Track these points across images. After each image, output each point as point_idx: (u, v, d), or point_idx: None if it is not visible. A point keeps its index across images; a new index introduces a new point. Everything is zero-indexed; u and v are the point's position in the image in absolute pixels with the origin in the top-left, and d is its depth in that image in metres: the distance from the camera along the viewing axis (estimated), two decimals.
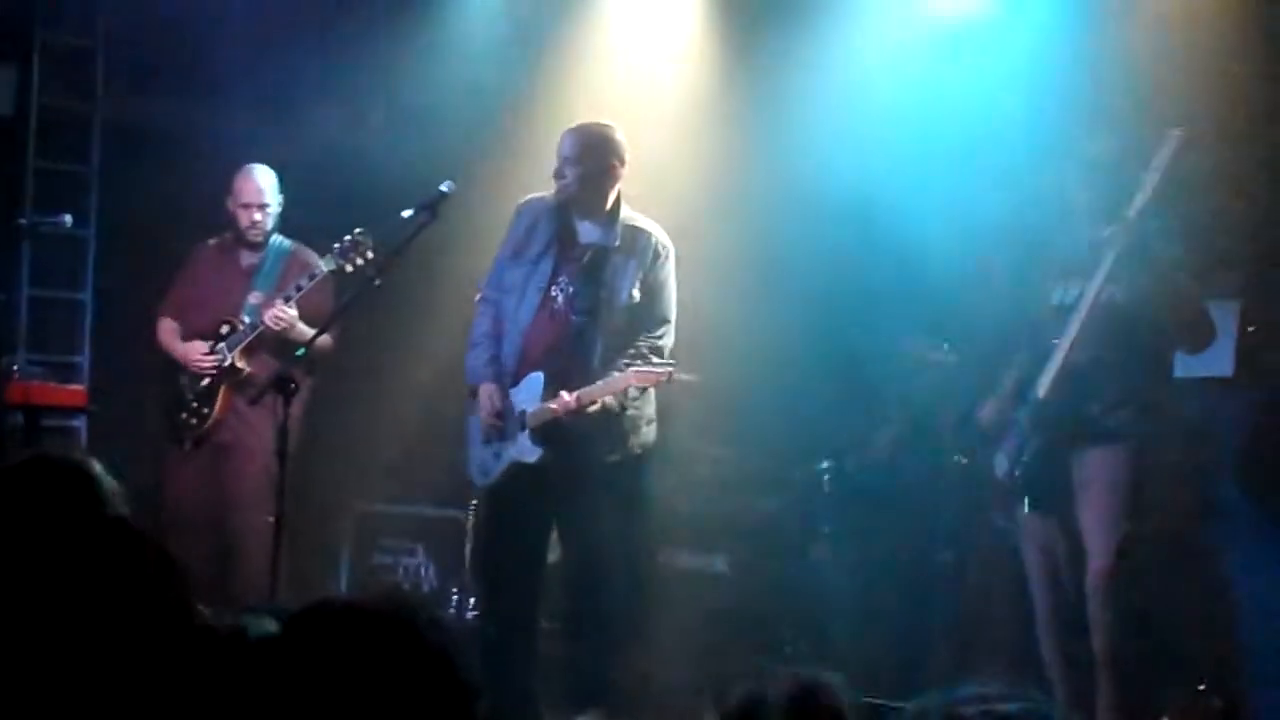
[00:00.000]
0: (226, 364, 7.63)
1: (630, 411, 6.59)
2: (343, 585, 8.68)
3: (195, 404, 7.72)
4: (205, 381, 7.70)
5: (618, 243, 6.65)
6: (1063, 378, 6.44)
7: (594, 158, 6.64)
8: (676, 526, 8.16)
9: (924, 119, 7.82)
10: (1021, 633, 6.95)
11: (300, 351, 6.96)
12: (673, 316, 6.71)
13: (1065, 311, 6.49)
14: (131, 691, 3.10)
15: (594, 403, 6.40)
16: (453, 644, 2.64)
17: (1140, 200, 6.30)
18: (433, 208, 6.57)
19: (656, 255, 6.68)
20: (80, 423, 8.62)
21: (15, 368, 8.23)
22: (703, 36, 8.80)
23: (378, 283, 6.82)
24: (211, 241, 8.03)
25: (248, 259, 7.90)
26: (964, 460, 7.36)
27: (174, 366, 7.82)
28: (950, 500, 7.64)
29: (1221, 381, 7.27)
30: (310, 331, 7.24)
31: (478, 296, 6.91)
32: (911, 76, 7.96)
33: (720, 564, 8.13)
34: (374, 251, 7.21)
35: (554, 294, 6.65)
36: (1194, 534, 7.13)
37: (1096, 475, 6.45)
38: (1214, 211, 7.07)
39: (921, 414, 7.91)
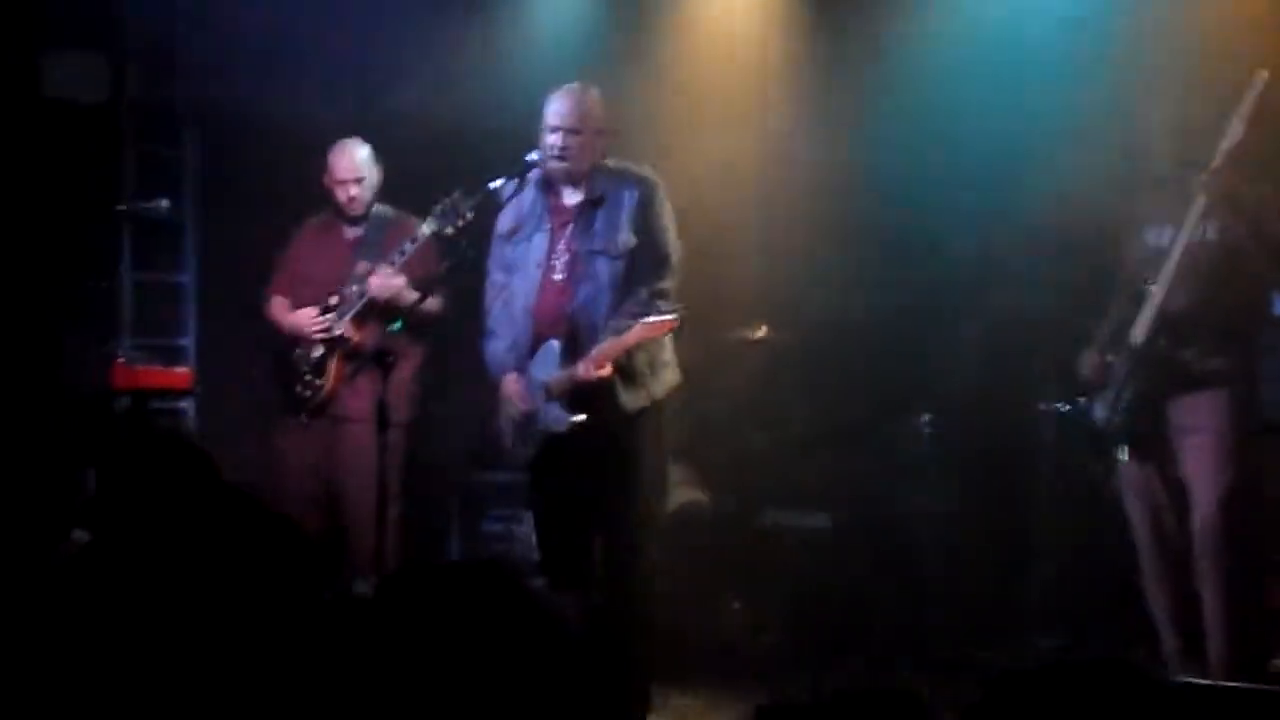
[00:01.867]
0: (336, 333, 7.69)
1: (643, 356, 6.53)
2: (452, 554, 8.78)
3: (309, 376, 7.76)
4: (318, 353, 7.75)
5: (601, 193, 6.60)
6: (1158, 323, 6.42)
7: (590, 122, 6.62)
8: (773, 486, 8.19)
9: (1008, 72, 7.76)
10: (1124, 583, 6.92)
11: (397, 324, 7.03)
12: (673, 254, 6.62)
13: (1159, 257, 6.47)
14: (260, 656, 3.16)
15: (610, 360, 6.38)
16: (552, 603, 2.69)
17: (1227, 144, 6.27)
18: (521, 176, 6.62)
19: (644, 196, 6.60)
20: (188, 406, 8.74)
21: (120, 352, 8.35)
22: (780, 8, 8.80)
23: (472, 253, 6.90)
24: (312, 219, 8.07)
25: (350, 232, 7.93)
26: (1065, 409, 7.33)
27: (287, 341, 7.87)
28: (1051, 451, 7.61)
29: None
30: (414, 295, 7.32)
31: (486, 280, 6.89)
32: (995, 28, 7.93)
33: (823, 522, 8.14)
34: (472, 213, 7.20)
35: (553, 264, 6.62)
36: None
37: (1198, 422, 6.42)
38: None
39: (1019, 364, 7.88)
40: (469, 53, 8.75)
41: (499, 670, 2.58)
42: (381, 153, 7.97)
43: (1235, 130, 6.28)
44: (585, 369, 6.40)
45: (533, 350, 6.64)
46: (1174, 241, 6.40)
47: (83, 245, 8.77)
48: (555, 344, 6.55)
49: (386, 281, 7.55)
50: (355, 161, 7.87)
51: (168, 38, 9.09)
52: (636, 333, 6.36)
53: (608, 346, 6.38)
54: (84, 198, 8.74)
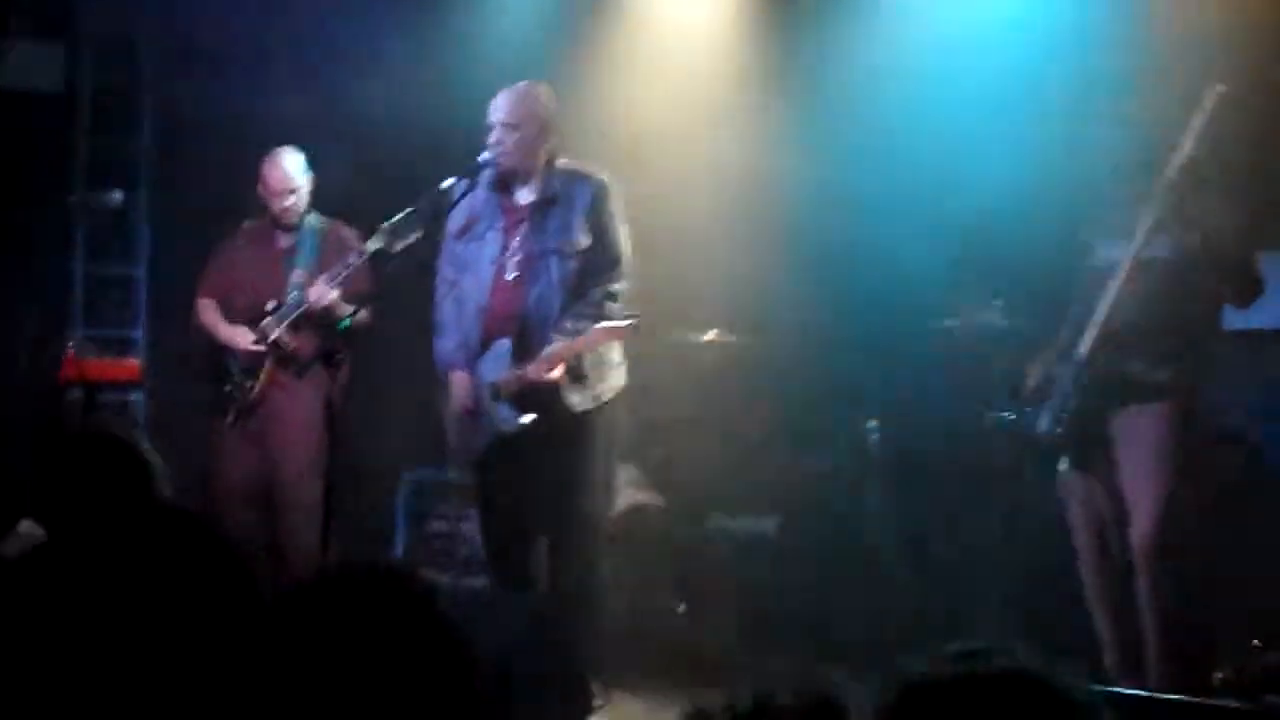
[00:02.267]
0: (271, 338, 7.69)
1: (591, 358, 6.54)
2: (399, 552, 8.76)
3: (239, 378, 7.76)
4: (250, 356, 7.75)
5: (554, 193, 6.60)
6: (1105, 335, 6.42)
7: (532, 120, 6.61)
8: (724, 489, 8.21)
9: (963, 80, 7.79)
10: (1071, 591, 6.94)
11: (344, 324, 7.03)
12: (625, 255, 6.63)
13: (1110, 270, 6.48)
14: (182, 666, 3.16)
15: (561, 362, 6.39)
16: (447, 612, 2.67)
17: (1180, 157, 6.29)
18: (471, 177, 6.61)
19: (597, 196, 6.60)
20: (137, 397, 8.72)
21: (71, 344, 8.33)
22: (740, 14, 8.81)
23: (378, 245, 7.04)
24: (246, 224, 8.03)
25: (283, 240, 7.89)
26: (1011, 418, 7.34)
27: (218, 344, 7.85)
28: (997, 460, 7.62)
29: (1275, 333, 7.23)
30: (349, 308, 7.31)
31: (436, 279, 6.89)
32: (950, 38, 7.95)
33: (769, 525, 8.16)
34: (416, 235, 7.18)
35: (504, 262, 6.61)
36: (1246, 491, 7.07)
37: (1139, 435, 6.40)
38: (1261, 164, 7.00)
39: (970, 372, 7.90)
40: (432, 51, 8.75)
41: (392, 684, 2.57)
42: (340, 151, 7.96)
43: (1188, 144, 6.28)
44: (536, 370, 6.40)
45: (482, 349, 6.63)
46: (1122, 254, 6.41)
47: (34, 234, 8.75)
48: (505, 343, 6.54)
49: (323, 292, 7.53)
50: (287, 173, 7.83)
51: (126, 27, 9.07)
52: (593, 337, 6.38)
53: (560, 348, 6.39)
54: (36, 187, 8.72)
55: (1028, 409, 6.78)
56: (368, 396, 7.89)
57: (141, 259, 9.13)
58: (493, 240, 6.67)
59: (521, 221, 6.63)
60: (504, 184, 6.68)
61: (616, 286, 6.56)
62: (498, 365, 6.56)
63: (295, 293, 7.67)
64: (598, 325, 6.37)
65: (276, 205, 7.83)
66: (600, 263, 6.56)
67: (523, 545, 6.71)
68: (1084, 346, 6.47)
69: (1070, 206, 6.93)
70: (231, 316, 7.85)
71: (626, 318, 6.42)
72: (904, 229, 7.94)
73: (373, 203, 7.72)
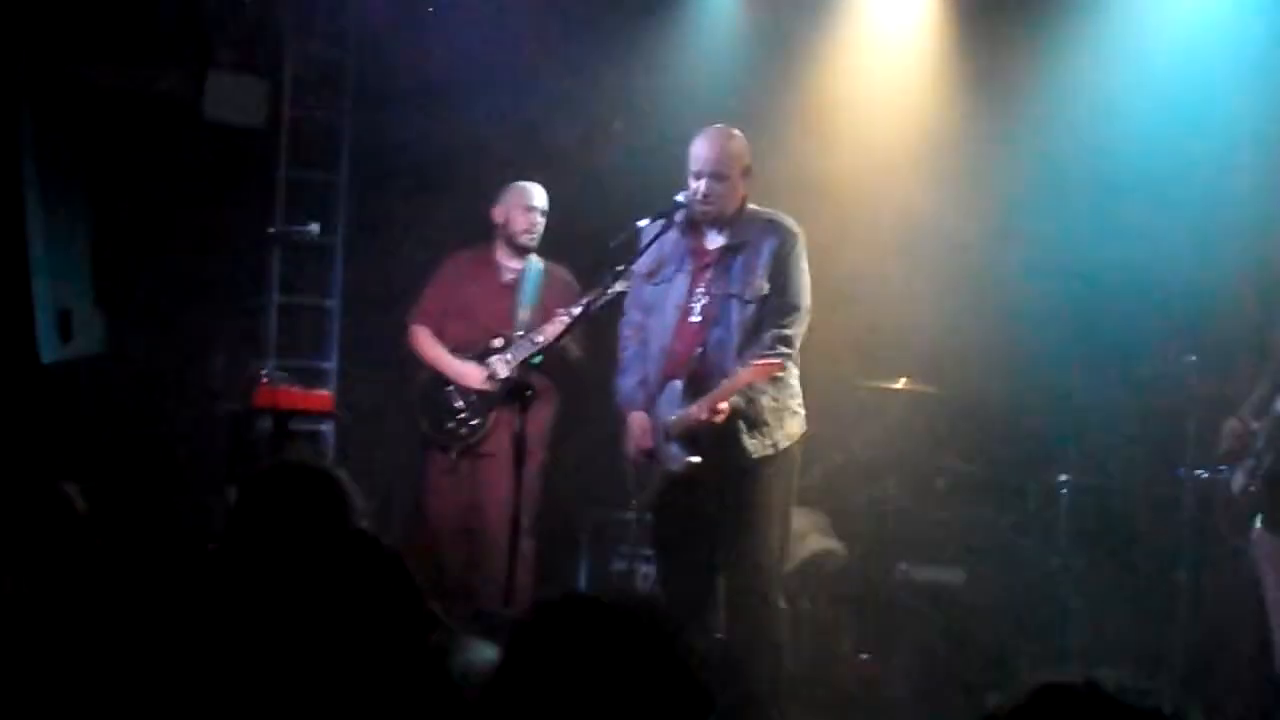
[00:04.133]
0: (502, 376, 7.71)
1: (769, 403, 6.52)
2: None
3: (465, 414, 7.81)
4: (474, 395, 7.79)
5: (744, 240, 6.59)
6: None
7: (735, 167, 6.61)
8: (910, 538, 8.13)
9: (1171, 135, 7.68)
10: (1261, 654, 6.79)
11: (536, 359, 7.05)
12: (803, 304, 6.58)
13: None
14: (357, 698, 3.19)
15: (718, 411, 6.35)
16: (692, 652, 2.68)
17: None
18: (668, 216, 6.62)
19: (782, 244, 6.57)
20: (328, 428, 8.82)
21: (264, 372, 8.44)
22: (942, 41, 8.76)
23: (617, 288, 7.00)
24: (464, 251, 8.12)
25: (507, 274, 7.95)
26: (1204, 475, 7.21)
27: (436, 376, 7.91)
28: (1189, 516, 7.48)
29: None
30: (577, 349, 7.47)
31: (622, 319, 6.92)
32: (1156, 93, 7.83)
33: (957, 576, 8.07)
34: (618, 288, 7.19)
35: (691, 307, 6.62)
36: None
37: None
38: None
39: (1164, 429, 7.76)
40: (630, 89, 8.80)
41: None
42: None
43: None
44: (699, 410, 6.40)
45: (661, 390, 6.65)
46: None
47: (233, 264, 8.91)
48: (679, 384, 6.56)
49: (555, 328, 7.54)
50: (536, 198, 7.93)
51: (332, 60, 9.21)
52: (744, 375, 6.37)
53: (720, 389, 6.38)
54: (236, 218, 8.88)
55: (1222, 467, 6.67)
56: (559, 435, 7.94)
57: (336, 291, 9.23)
58: (680, 283, 6.68)
59: (709, 266, 6.64)
60: (694, 226, 6.69)
61: (789, 331, 6.54)
62: (672, 406, 6.57)
63: (527, 331, 7.69)
64: (751, 363, 6.35)
65: (525, 222, 7.89)
66: (779, 308, 6.55)
67: (698, 588, 6.70)
68: None
69: (1272, 265, 6.81)
70: (451, 346, 7.91)
71: (777, 356, 6.40)
72: (1103, 281, 7.85)
73: (568, 238, 7.77)
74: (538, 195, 7.93)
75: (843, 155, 8.54)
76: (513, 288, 7.90)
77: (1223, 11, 7.87)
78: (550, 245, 7.99)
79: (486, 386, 7.74)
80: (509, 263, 7.97)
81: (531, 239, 7.91)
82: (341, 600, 3.32)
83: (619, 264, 6.95)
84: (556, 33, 8.86)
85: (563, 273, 7.88)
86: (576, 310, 7.46)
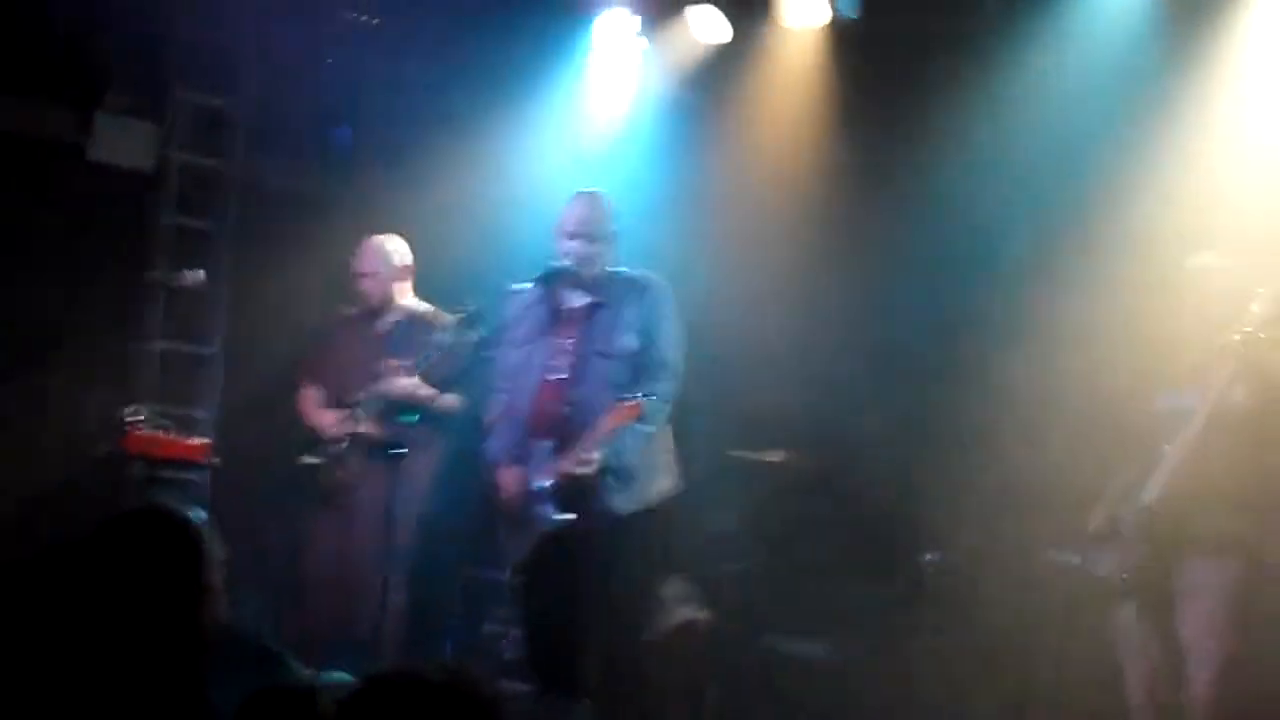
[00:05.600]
0: (358, 430, 7.67)
1: (635, 460, 6.52)
2: (448, 651, 8.71)
3: (329, 466, 7.75)
4: (339, 447, 7.73)
5: (608, 298, 6.65)
6: (1173, 486, 6.34)
7: (605, 229, 6.70)
8: (778, 611, 8.13)
9: (1045, 202, 7.80)
10: None
11: (413, 416, 7.03)
12: (673, 359, 6.62)
13: (1177, 418, 6.41)
14: None
15: (586, 462, 6.37)
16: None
17: (1260, 308, 6.24)
18: (546, 284, 6.65)
19: (650, 300, 6.65)
20: (200, 477, 8.73)
21: (138, 418, 8.36)
22: (831, 103, 8.85)
23: (487, 355, 7.03)
24: (348, 309, 8.07)
25: (381, 325, 7.91)
26: (1073, 561, 7.25)
27: (312, 433, 7.86)
28: (1055, 602, 7.52)
29: None
30: (429, 395, 7.33)
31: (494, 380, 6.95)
32: (1033, 161, 7.93)
33: (823, 650, 8.08)
34: (483, 331, 7.26)
35: (554, 364, 6.66)
36: None
37: (1203, 587, 6.31)
38: None
39: (1032, 509, 7.81)
40: (516, 148, 8.81)
41: None
42: (426, 243, 7.98)
43: (1269, 294, 6.25)
44: (566, 464, 6.42)
45: (529, 450, 6.63)
46: (1197, 404, 6.34)
47: (112, 308, 8.83)
48: (548, 445, 6.57)
49: (400, 381, 7.53)
50: (373, 255, 7.88)
51: (216, 110, 9.18)
52: (607, 420, 6.38)
53: (585, 439, 6.39)
54: (118, 261, 8.81)
55: (1091, 551, 6.71)
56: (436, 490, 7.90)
57: (215, 339, 9.16)
58: (541, 344, 6.73)
59: (571, 325, 6.70)
60: (557, 288, 6.73)
61: (660, 386, 6.55)
62: (541, 466, 6.57)
63: (382, 383, 7.63)
64: (611, 408, 6.36)
65: (358, 284, 7.88)
66: (647, 364, 6.58)
67: (565, 651, 6.65)
68: (1151, 493, 6.39)
69: (1136, 350, 6.87)
70: (329, 402, 7.84)
71: (638, 396, 6.40)
72: (979, 353, 7.90)
73: (455, 292, 7.75)
74: (366, 258, 7.88)
75: (723, 222, 8.61)
76: (385, 339, 7.84)
77: (1112, 55, 7.95)
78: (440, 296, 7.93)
79: (340, 437, 7.68)
80: (383, 316, 7.93)
81: (368, 301, 7.87)
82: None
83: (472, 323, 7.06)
84: (452, 84, 8.87)
85: (437, 319, 7.68)
86: (408, 363, 7.48)
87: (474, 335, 7.31)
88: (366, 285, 7.88)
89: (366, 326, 7.94)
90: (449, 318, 7.57)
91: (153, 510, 4.19)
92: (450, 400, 7.49)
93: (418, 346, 7.63)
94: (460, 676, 2.76)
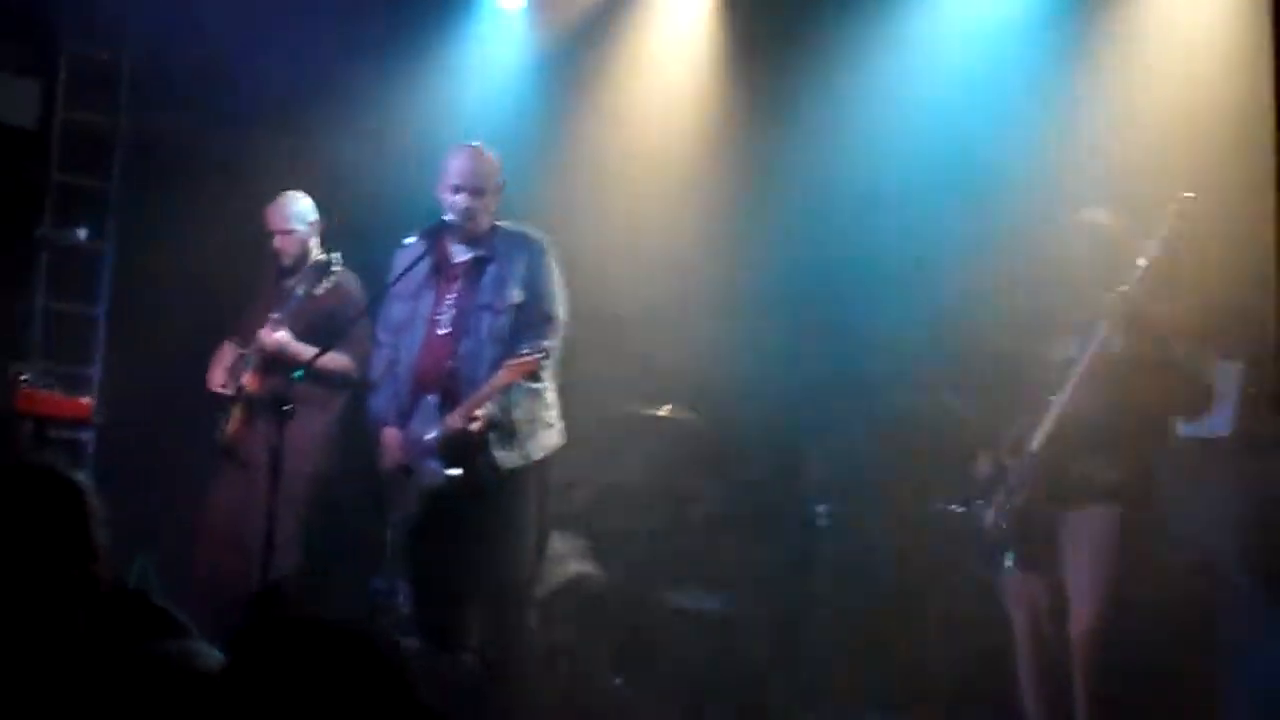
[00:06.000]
0: (239, 383, 7.70)
1: (521, 414, 6.55)
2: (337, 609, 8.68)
3: (219, 420, 7.78)
4: (229, 400, 7.76)
5: (493, 252, 6.65)
6: (1056, 435, 6.44)
7: (492, 182, 6.69)
8: (670, 565, 8.17)
9: (932, 161, 7.82)
10: (1008, 687, 6.91)
11: (297, 373, 7.00)
12: (558, 314, 6.63)
13: (1064, 368, 6.51)
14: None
15: (479, 410, 6.39)
16: (407, 668, 2.68)
17: (1143, 261, 6.34)
18: (433, 238, 6.63)
19: (534, 255, 6.65)
20: (88, 435, 8.67)
21: (25, 377, 8.29)
22: (719, 61, 8.88)
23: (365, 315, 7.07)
24: (270, 266, 8.05)
25: (289, 282, 7.86)
26: (959, 509, 7.31)
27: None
28: (946, 551, 7.59)
29: (1221, 441, 7.23)
30: (307, 352, 7.30)
31: (374, 338, 6.97)
32: (921, 118, 7.99)
33: (714, 604, 8.12)
34: (334, 276, 7.41)
35: (437, 319, 6.65)
36: (1188, 599, 7.04)
37: (1085, 535, 6.42)
38: (1219, 274, 7.01)
39: (921, 459, 7.88)
40: (404, 104, 8.77)
41: None
42: (314, 195, 7.95)
43: (1152, 249, 6.36)
44: (454, 419, 6.42)
45: (414, 405, 6.62)
46: (1078, 356, 6.44)
47: None
48: (433, 400, 6.56)
49: (271, 335, 7.55)
50: (284, 213, 7.88)
51: (102, 64, 9.08)
52: (500, 376, 6.38)
53: (476, 395, 6.40)
54: (3, 220, 8.71)
55: (977, 501, 6.79)
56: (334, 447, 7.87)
57: (103, 298, 9.09)
58: (427, 298, 6.71)
59: (456, 279, 6.68)
60: (441, 243, 6.71)
61: (547, 342, 6.54)
62: (427, 421, 6.57)
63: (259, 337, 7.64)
64: (505, 365, 6.36)
65: (274, 243, 7.88)
66: (532, 319, 6.58)
67: (452, 606, 6.67)
68: (1035, 442, 6.48)
69: (1031, 301, 6.94)
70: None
71: (534, 352, 6.41)
72: (869, 309, 7.94)
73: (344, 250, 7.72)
74: (276, 217, 7.90)
75: (606, 175, 8.63)
76: (285, 296, 7.78)
77: (1011, 21, 8.01)
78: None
79: (219, 387, 7.77)
80: (299, 271, 7.86)
81: (282, 259, 7.90)
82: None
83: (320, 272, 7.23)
84: (340, 42, 8.81)
85: (344, 280, 7.66)
86: (277, 317, 7.54)
87: (325, 285, 7.39)
88: (282, 242, 7.87)
89: (280, 283, 7.90)
90: (344, 280, 7.56)
91: (35, 468, 4.17)
92: (336, 359, 7.41)
93: (309, 305, 7.60)
94: (357, 626, 2.77)
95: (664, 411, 8.17)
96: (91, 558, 3.52)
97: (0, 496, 3.93)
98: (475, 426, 6.39)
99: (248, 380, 7.67)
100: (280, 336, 7.55)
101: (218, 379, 7.82)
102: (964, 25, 8.13)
